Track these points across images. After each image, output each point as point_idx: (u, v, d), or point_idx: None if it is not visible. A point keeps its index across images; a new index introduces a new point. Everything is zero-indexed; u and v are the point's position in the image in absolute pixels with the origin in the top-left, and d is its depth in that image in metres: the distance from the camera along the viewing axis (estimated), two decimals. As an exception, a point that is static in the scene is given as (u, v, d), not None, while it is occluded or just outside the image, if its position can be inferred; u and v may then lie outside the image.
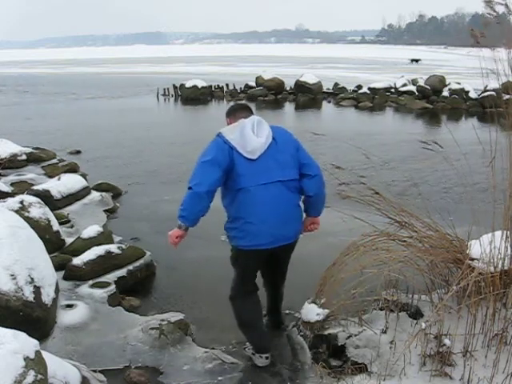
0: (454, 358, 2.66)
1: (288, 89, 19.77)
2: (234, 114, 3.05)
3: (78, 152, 9.62)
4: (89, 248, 4.22)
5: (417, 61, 42.81)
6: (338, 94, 18.88)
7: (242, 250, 2.89)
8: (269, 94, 19.14)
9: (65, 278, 3.93)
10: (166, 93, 20.29)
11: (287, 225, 2.87)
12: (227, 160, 2.77)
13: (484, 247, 2.87)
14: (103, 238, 4.55)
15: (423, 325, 2.68)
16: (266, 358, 2.99)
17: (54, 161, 8.07)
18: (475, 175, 7.48)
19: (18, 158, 7.64)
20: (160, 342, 3.11)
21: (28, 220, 3.87)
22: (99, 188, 6.60)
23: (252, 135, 2.81)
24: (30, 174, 7.13)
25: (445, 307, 2.79)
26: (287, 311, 3.57)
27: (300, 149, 2.98)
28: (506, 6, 2.73)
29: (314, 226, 3.14)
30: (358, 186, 3.50)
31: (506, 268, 2.83)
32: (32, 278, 3.08)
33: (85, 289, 3.78)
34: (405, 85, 18.46)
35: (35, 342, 2.24)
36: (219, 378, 2.86)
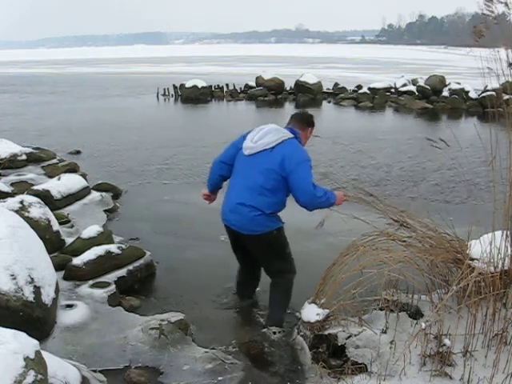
0: (454, 357, 2.66)
1: (288, 89, 19.75)
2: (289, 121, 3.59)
3: (78, 152, 9.62)
4: (89, 248, 4.22)
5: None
6: (338, 94, 18.86)
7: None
8: (269, 94, 19.11)
9: (65, 278, 3.93)
10: (166, 93, 20.27)
11: (232, 213, 3.31)
12: (239, 145, 3.44)
13: (484, 247, 2.87)
14: (103, 237, 4.55)
15: (423, 325, 2.68)
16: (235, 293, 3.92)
17: (54, 161, 8.04)
18: (475, 175, 7.51)
19: (18, 158, 7.61)
20: (160, 342, 3.11)
21: (28, 220, 3.87)
22: (99, 188, 6.61)
23: (249, 139, 3.38)
24: (30, 173, 7.10)
25: (445, 307, 2.79)
26: (288, 311, 3.56)
27: (294, 172, 3.17)
28: (506, 4, 2.73)
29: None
30: (357, 185, 3.50)
31: (506, 268, 2.83)
32: (32, 278, 3.08)
33: (85, 289, 3.77)
34: (405, 85, 18.46)
35: (35, 342, 2.23)
36: (219, 378, 2.86)
